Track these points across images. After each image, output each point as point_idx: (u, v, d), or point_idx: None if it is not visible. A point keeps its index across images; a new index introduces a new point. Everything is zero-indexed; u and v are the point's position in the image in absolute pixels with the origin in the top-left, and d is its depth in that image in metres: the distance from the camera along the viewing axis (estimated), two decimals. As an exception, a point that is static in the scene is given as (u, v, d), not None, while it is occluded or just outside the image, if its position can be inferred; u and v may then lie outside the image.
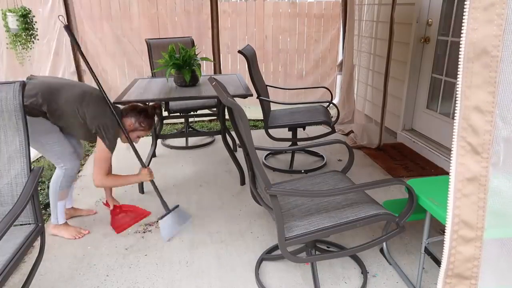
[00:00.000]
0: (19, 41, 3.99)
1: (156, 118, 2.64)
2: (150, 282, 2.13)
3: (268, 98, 3.47)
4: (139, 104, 2.61)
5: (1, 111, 1.79)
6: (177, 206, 2.69)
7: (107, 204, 2.80)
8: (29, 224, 1.87)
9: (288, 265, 2.24)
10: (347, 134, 4.39)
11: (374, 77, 4.34)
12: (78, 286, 2.11)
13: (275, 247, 2.38)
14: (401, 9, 3.84)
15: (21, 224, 1.86)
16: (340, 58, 5.04)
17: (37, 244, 1.95)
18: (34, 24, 4.00)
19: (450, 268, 1.08)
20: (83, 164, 3.68)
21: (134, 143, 2.56)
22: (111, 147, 2.36)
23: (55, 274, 2.20)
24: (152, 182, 2.63)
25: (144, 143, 3.93)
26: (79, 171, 2.99)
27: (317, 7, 5.28)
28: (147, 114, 2.52)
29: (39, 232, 1.85)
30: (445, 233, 1.09)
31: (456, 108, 1.01)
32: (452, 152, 1.03)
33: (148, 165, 3.18)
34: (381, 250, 2.32)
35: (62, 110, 2.28)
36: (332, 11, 5.30)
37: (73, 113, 2.29)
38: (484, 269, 1.07)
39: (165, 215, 2.57)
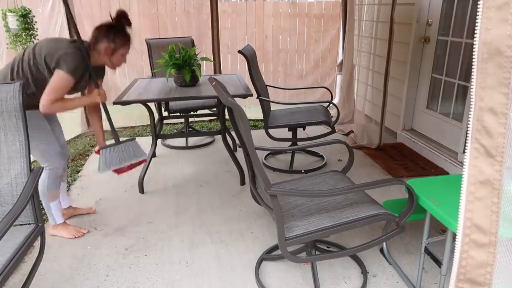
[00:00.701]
0: (19, 41, 4.00)
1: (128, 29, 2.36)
2: (150, 282, 2.13)
3: (268, 98, 3.47)
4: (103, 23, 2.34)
5: (1, 111, 1.79)
6: (132, 139, 2.53)
7: (98, 152, 2.69)
8: (29, 224, 1.87)
9: (288, 265, 2.24)
10: (347, 134, 4.39)
11: (374, 77, 4.34)
12: (78, 286, 2.11)
13: (275, 247, 2.38)
14: (401, 9, 3.84)
15: (21, 224, 1.86)
16: (340, 58, 5.04)
17: (37, 244, 1.95)
18: (34, 24, 4.01)
19: (462, 272, 1.06)
20: (83, 164, 3.68)
21: (119, 65, 2.39)
22: (72, 73, 2.13)
23: (55, 274, 2.21)
24: (104, 105, 2.39)
25: (144, 143, 3.93)
26: (66, 171, 2.94)
27: (317, 7, 5.29)
28: (117, 29, 2.31)
29: (39, 232, 1.85)
30: (455, 236, 1.07)
31: (470, 109, 0.99)
32: (465, 153, 1.01)
33: (148, 165, 3.18)
34: (381, 250, 2.32)
35: (37, 77, 2.17)
36: (332, 11, 5.31)
37: (40, 70, 2.17)
38: (497, 274, 1.04)
39: (111, 145, 2.37)
